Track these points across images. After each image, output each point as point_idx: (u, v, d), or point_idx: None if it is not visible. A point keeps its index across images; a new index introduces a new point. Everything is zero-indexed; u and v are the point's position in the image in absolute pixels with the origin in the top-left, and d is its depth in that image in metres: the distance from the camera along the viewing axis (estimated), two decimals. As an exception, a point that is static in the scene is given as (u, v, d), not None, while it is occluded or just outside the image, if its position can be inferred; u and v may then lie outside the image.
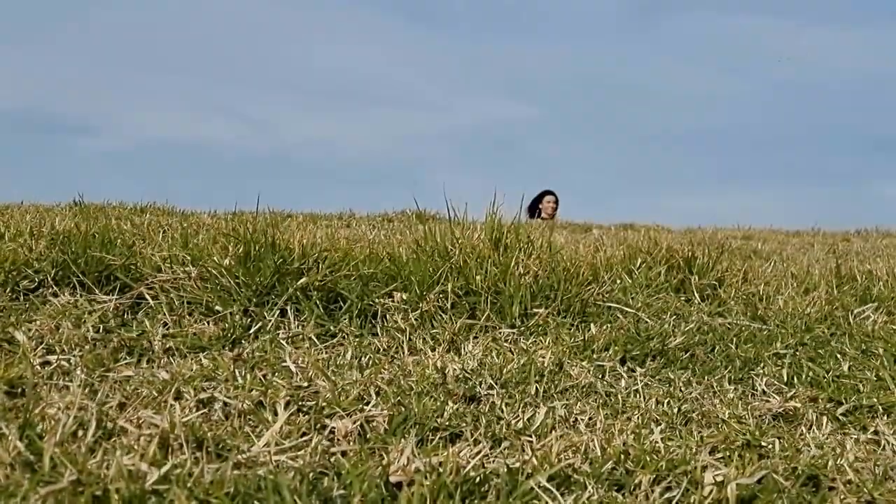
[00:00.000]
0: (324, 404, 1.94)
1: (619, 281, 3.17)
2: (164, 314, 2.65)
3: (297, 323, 2.66)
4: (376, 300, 2.78)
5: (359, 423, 1.86)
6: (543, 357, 2.38)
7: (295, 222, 5.70)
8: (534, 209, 11.09)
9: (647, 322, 2.78)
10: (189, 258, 2.87)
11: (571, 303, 2.81)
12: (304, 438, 1.77)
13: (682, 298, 3.16)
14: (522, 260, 3.09)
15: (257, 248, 2.90)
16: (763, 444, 1.85)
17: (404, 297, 2.79)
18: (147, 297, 2.73)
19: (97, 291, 2.74)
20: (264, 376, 2.14)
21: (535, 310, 2.77)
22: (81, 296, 2.71)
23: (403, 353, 2.50)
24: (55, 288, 2.74)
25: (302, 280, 2.79)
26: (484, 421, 1.91)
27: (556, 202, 11.16)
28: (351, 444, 1.78)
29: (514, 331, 2.66)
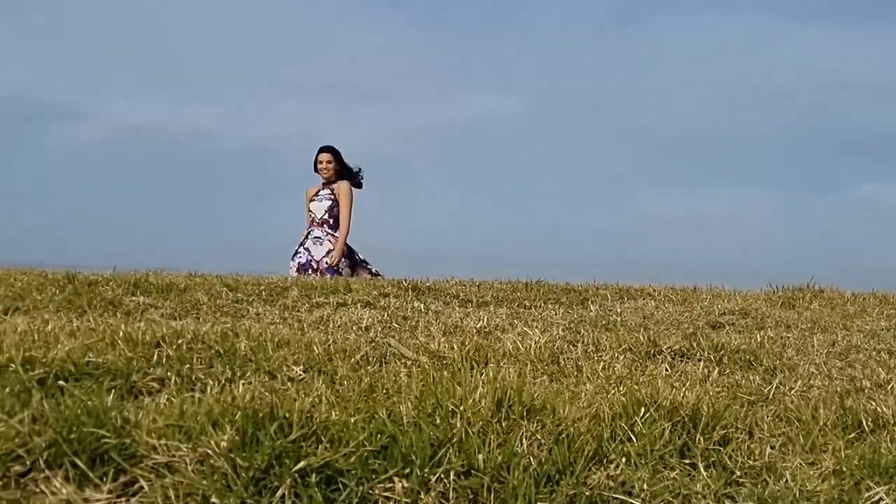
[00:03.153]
0: None
1: (623, 446, 3.10)
2: (160, 504, 2.59)
3: (295, 515, 2.60)
4: (377, 487, 2.71)
5: None
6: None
7: (295, 318, 5.61)
8: (316, 167, 10.02)
9: (653, 516, 2.72)
10: (184, 436, 2.79)
11: (577, 496, 2.75)
12: None
13: (686, 464, 3.10)
14: (525, 427, 3.03)
15: (255, 423, 2.83)
16: None
17: (405, 484, 2.73)
18: (142, 482, 2.66)
19: (91, 475, 2.66)
20: None
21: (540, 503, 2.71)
22: (74, 481, 2.64)
23: (405, 563, 2.44)
24: (47, 472, 2.66)
25: (301, 463, 2.72)
26: None
27: (334, 160, 9.92)
28: None
29: (519, 530, 2.60)
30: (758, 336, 5.44)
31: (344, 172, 10.04)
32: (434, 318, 5.32)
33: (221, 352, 3.89)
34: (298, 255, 9.89)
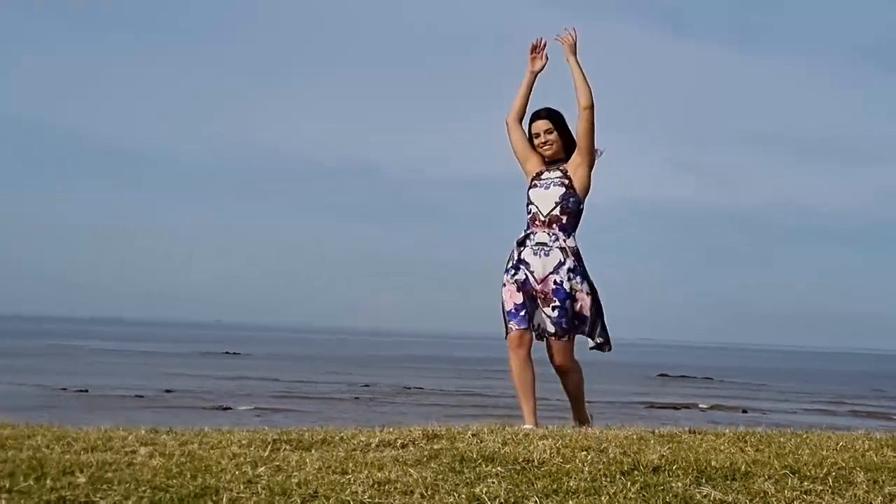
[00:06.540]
0: None
1: None
2: None
3: None
4: None
5: None
6: None
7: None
8: (532, 143, 6.20)
9: None
10: None
11: None
12: None
13: None
14: None
15: None
16: None
17: None
18: None
19: None
20: None
21: None
22: None
23: None
24: None
25: None
26: None
27: (554, 128, 6.07)
28: None
29: None
30: None
31: (573, 146, 6.14)
32: None
33: None
34: (515, 272, 6.14)
